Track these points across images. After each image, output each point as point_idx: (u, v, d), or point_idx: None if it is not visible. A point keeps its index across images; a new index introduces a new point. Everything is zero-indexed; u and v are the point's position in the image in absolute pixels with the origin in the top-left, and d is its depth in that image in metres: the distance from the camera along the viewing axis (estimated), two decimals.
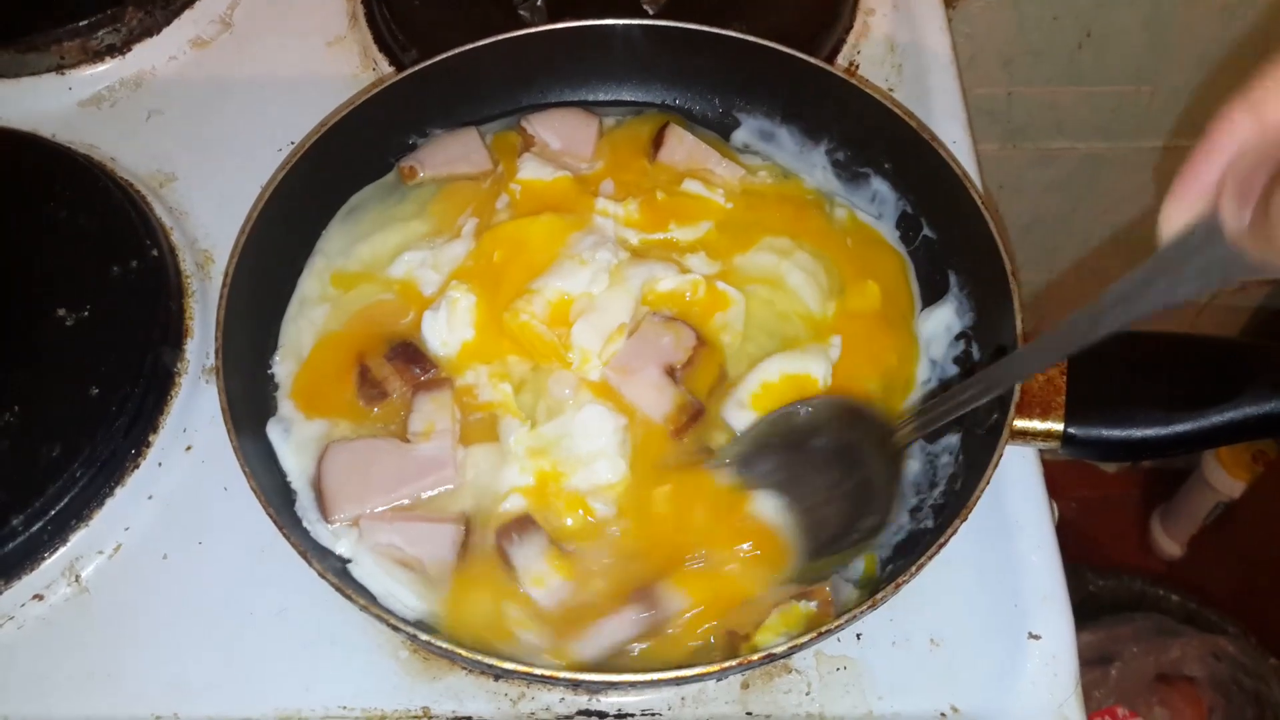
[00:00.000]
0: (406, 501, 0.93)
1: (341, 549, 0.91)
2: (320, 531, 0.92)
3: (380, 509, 0.92)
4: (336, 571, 0.84)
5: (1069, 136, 2.13)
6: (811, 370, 0.98)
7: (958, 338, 1.04)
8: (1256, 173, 0.53)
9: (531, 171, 1.11)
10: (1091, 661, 1.91)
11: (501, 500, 0.93)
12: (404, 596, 0.90)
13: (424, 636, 0.80)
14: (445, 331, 1.00)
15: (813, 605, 0.89)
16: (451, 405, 0.96)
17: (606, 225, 1.07)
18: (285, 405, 0.99)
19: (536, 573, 0.89)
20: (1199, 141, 0.57)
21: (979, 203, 1.00)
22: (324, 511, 0.92)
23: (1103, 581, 2.12)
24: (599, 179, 1.12)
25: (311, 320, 1.04)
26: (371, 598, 0.87)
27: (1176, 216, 0.59)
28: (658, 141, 1.14)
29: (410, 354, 0.99)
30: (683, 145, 1.14)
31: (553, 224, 1.06)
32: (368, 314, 1.03)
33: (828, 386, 0.98)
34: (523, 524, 0.91)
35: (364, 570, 0.91)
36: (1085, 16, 1.91)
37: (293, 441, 0.97)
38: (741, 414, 0.96)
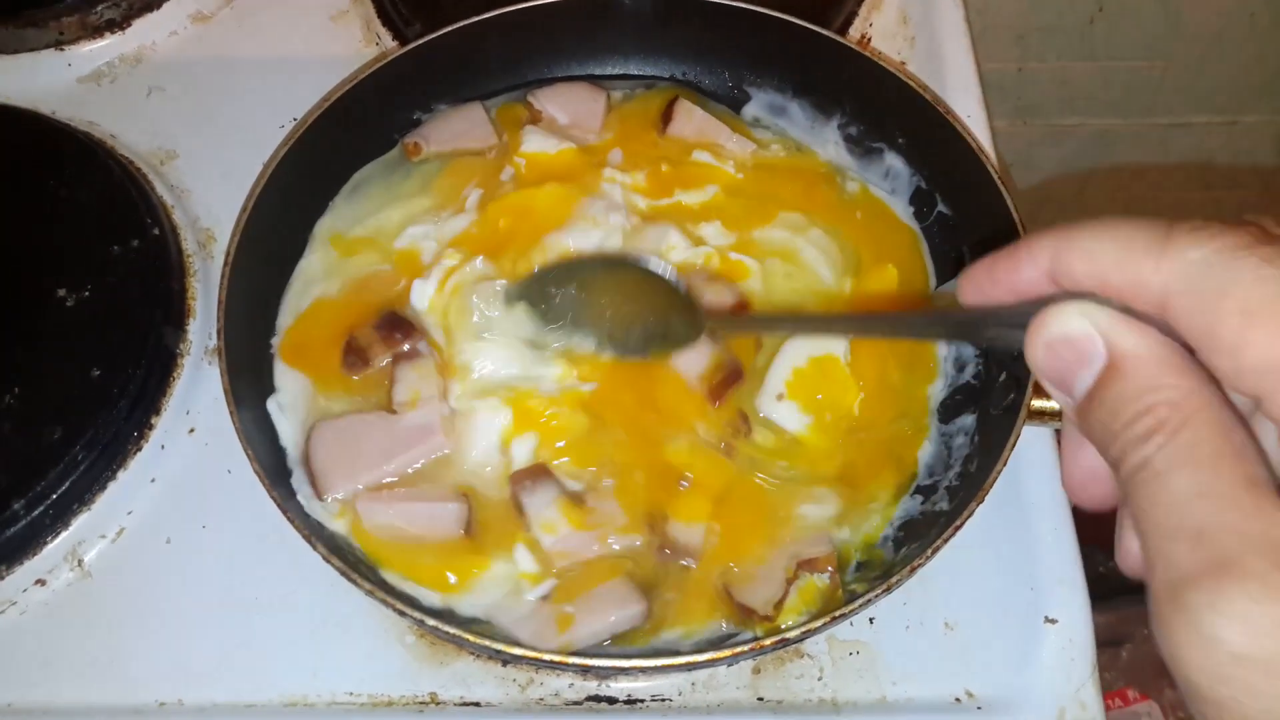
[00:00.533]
0: (395, 476, 0.92)
1: (338, 528, 0.90)
2: (315, 508, 0.91)
3: (372, 483, 0.91)
4: (341, 554, 0.83)
5: (1080, 112, 2.11)
6: (834, 350, 0.97)
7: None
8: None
9: (536, 144, 1.09)
10: (1103, 643, 1.89)
11: (501, 456, 0.93)
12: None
13: (431, 622, 0.79)
14: (434, 294, 0.99)
15: (824, 578, 0.88)
16: (435, 372, 0.95)
17: (614, 191, 1.06)
18: (280, 374, 0.98)
19: (547, 519, 0.89)
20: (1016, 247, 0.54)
21: (996, 178, 0.98)
22: (316, 490, 0.91)
23: (1114, 563, 2.11)
24: (606, 149, 1.11)
25: (309, 288, 1.03)
26: (377, 581, 0.85)
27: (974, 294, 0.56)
28: (667, 115, 1.12)
29: (394, 322, 0.98)
30: (692, 120, 1.12)
31: (560, 192, 1.04)
32: (364, 283, 1.02)
33: (849, 363, 0.97)
34: (536, 472, 0.91)
35: None
36: None
37: (288, 415, 0.96)
38: (780, 406, 0.95)
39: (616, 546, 0.90)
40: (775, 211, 1.06)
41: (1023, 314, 0.52)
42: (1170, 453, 0.44)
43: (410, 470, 0.92)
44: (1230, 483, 0.43)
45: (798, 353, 0.96)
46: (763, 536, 0.91)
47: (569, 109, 1.13)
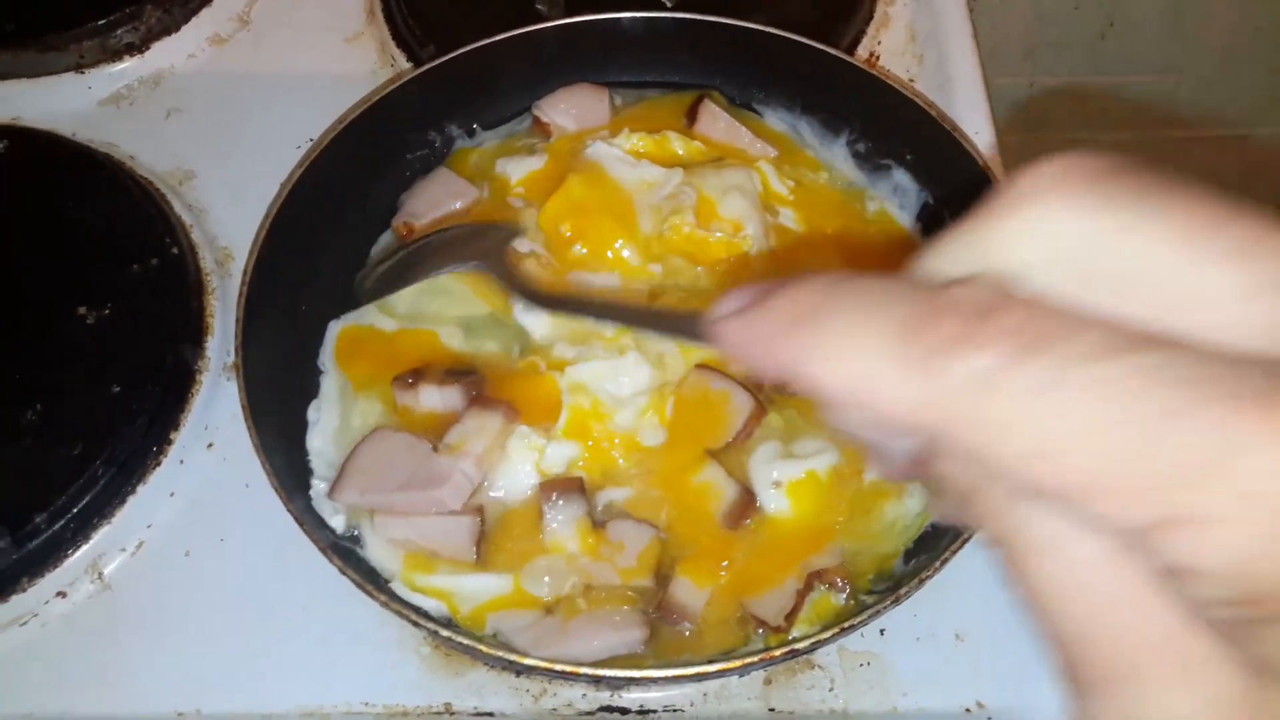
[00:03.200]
0: (399, 506, 0.92)
1: (336, 525, 0.93)
2: (324, 506, 0.93)
3: (377, 505, 0.92)
4: (357, 566, 0.84)
5: (1091, 127, 2.11)
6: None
7: None
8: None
9: (519, 169, 1.11)
10: None
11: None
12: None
13: (445, 633, 0.80)
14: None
15: (842, 597, 0.89)
16: (495, 436, 0.93)
17: (610, 150, 1.09)
18: (331, 379, 1.01)
19: (560, 539, 0.90)
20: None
21: None
22: (331, 486, 0.93)
23: None
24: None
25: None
26: (391, 593, 0.86)
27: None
28: (692, 115, 1.14)
29: (461, 374, 0.98)
30: (718, 122, 1.13)
31: (584, 177, 1.06)
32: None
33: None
34: (569, 485, 0.92)
35: (376, 554, 0.92)
36: (1107, 6, 1.90)
37: (325, 419, 0.99)
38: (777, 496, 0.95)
39: (620, 581, 0.90)
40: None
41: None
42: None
43: (415, 510, 0.92)
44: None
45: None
46: (773, 579, 0.91)
47: (574, 113, 1.15)
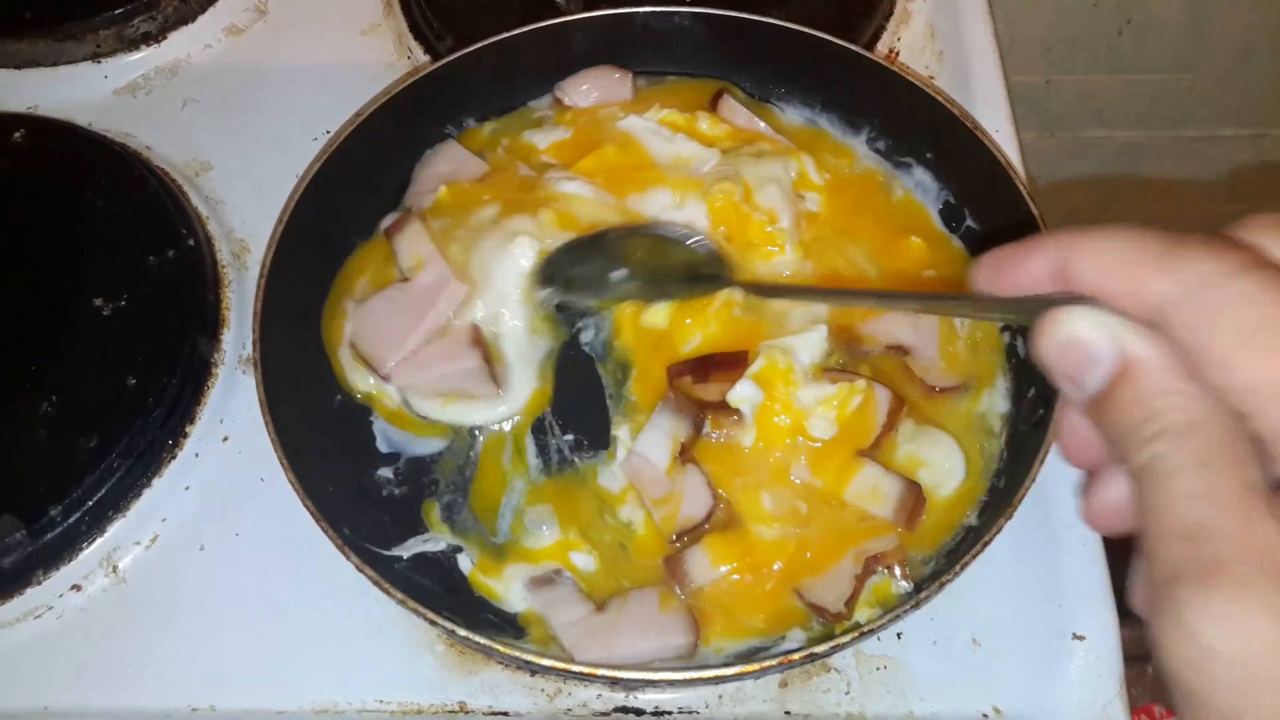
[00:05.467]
0: (435, 329, 0.99)
1: (394, 399, 1.00)
2: (376, 386, 1.00)
3: (416, 346, 0.98)
4: (376, 563, 0.84)
5: (1108, 125, 2.10)
6: None
7: (1003, 329, 1.02)
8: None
9: (545, 139, 1.12)
10: (1129, 659, 1.89)
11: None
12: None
13: (462, 632, 0.79)
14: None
15: (904, 584, 0.89)
16: (424, 232, 1.02)
17: (645, 124, 1.10)
18: None
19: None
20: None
21: (1025, 193, 0.99)
22: (376, 370, 0.98)
23: None
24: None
25: None
26: (409, 591, 0.86)
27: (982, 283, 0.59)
28: (713, 107, 1.14)
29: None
30: (737, 116, 1.13)
31: (617, 147, 1.08)
32: None
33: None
34: (703, 409, 0.94)
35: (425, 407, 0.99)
36: (1125, 4, 1.88)
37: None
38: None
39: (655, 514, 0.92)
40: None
41: (1031, 308, 0.54)
42: (1176, 457, 0.47)
43: (443, 323, 0.99)
44: (1228, 488, 0.46)
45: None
46: (828, 564, 0.91)
47: (596, 95, 1.15)
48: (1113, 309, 0.51)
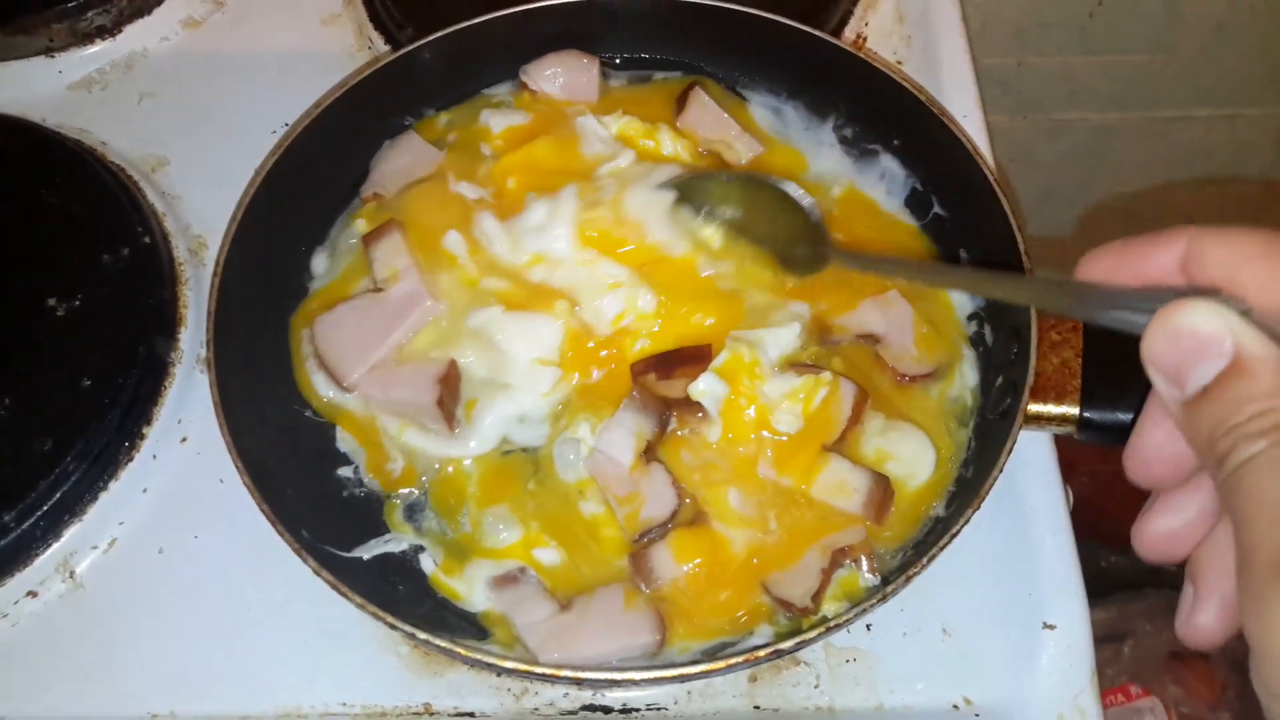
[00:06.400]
0: (402, 341, 0.97)
1: (357, 408, 0.97)
2: (340, 398, 0.97)
3: (381, 358, 0.96)
4: (331, 566, 0.82)
5: (1081, 107, 2.09)
6: None
7: (970, 318, 1.01)
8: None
9: (501, 122, 1.10)
10: (1104, 639, 1.89)
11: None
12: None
13: (422, 635, 0.78)
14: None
15: (870, 577, 0.88)
16: (403, 244, 0.99)
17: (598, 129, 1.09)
18: None
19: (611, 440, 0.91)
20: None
21: (992, 180, 0.97)
22: (338, 381, 0.96)
23: (1115, 558, 2.09)
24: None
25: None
26: (368, 594, 0.84)
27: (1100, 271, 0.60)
28: (681, 102, 1.12)
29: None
30: (706, 113, 1.11)
31: (553, 143, 1.06)
32: None
33: None
34: (667, 406, 0.92)
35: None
36: None
37: None
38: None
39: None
40: None
41: (1147, 300, 0.54)
42: None
43: (409, 338, 0.97)
44: None
45: None
46: (793, 558, 0.90)
47: (561, 81, 1.13)
48: (1234, 305, 0.51)
